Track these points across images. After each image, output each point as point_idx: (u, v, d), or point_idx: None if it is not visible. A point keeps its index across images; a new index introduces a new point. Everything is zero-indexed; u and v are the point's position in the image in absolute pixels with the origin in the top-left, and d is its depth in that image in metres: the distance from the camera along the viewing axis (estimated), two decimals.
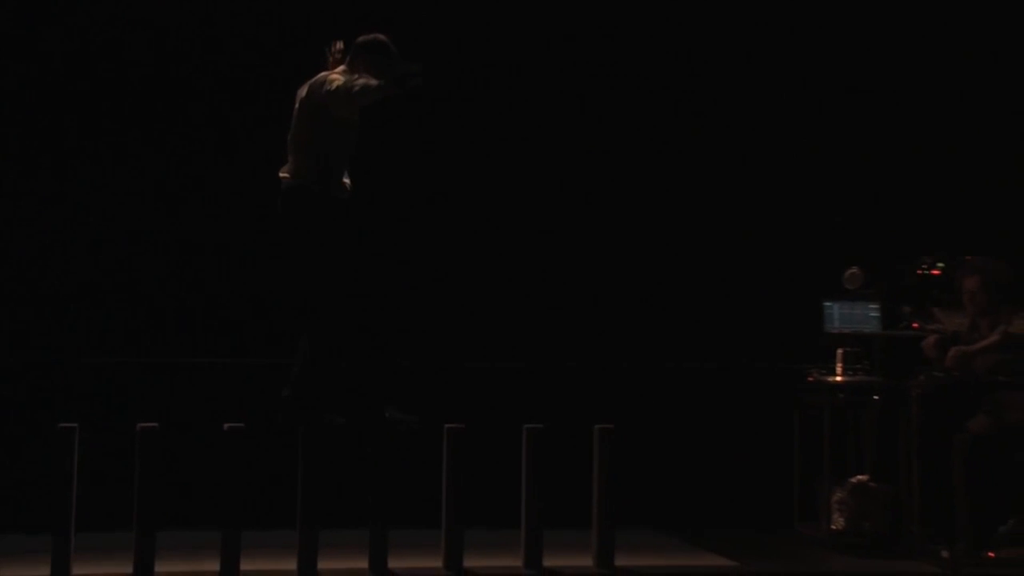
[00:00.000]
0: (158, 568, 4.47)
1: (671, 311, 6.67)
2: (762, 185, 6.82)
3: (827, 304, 5.89)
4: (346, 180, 4.94)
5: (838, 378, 5.77)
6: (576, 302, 6.58)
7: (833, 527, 5.64)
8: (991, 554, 5.17)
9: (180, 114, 6.35)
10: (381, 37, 4.92)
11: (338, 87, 4.69)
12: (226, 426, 4.59)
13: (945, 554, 5.12)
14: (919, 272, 5.85)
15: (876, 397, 5.78)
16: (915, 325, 5.79)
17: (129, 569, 4.45)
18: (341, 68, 4.89)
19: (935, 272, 5.80)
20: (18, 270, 6.14)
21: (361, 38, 4.93)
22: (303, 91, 4.88)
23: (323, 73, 4.87)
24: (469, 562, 4.69)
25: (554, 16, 6.73)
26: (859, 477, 5.72)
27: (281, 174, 4.90)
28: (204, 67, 6.39)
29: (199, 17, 6.40)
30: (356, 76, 4.73)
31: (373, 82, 4.63)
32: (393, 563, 4.64)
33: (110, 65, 6.33)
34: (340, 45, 5.01)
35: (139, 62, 6.36)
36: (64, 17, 6.32)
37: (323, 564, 4.59)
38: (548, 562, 4.74)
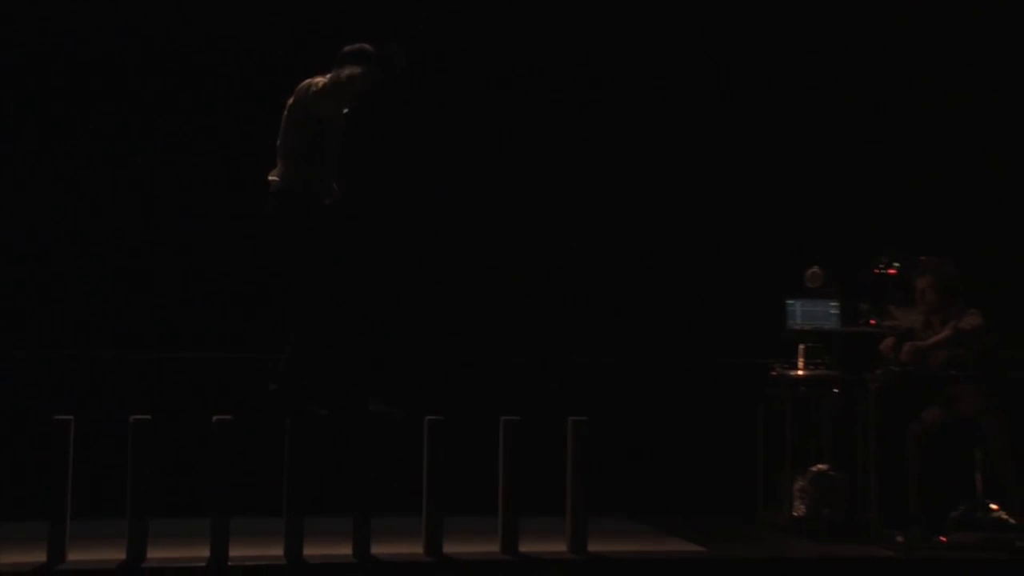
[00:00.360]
0: (150, 554, 4.48)
1: (644, 310, 6.71)
2: (729, 190, 6.86)
3: (789, 302, 5.95)
4: (335, 184, 4.96)
5: (800, 372, 5.83)
6: (552, 301, 6.60)
7: (795, 514, 5.69)
8: (943, 538, 5.24)
9: (176, 115, 6.33)
10: (367, 46, 4.94)
11: (324, 84, 4.75)
12: (216, 418, 4.60)
13: (900, 538, 5.17)
14: (876, 272, 5.90)
15: (836, 390, 5.84)
16: (872, 322, 5.85)
17: (123, 555, 4.45)
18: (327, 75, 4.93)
19: (891, 272, 5.86)
20: (13, 266, 6.11)
21: (347, 47, 4.95)
22: (290, 100, 4.91)
23: (307, 80, 4.91)
24: (449, 548, 4.72)
25: (544, 20, 6.76)
26: (819, 466, 5.78)
27: (270, 177, 4.92)
28: (198, 71, 6.37)
29: (195, 20, 6.39)
30: (341, 69, 4.78)
31: (357, 70, 4.69)
32: (376, 549, 4.65)
33: (105, 67, 6.31)
34: None
35: (134, 64, 6.35)
36: (59, 17, 6.29)
37: (309, 550, 4.59)
38: (524, 548, 4.77)
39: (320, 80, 4.81)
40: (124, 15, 6.34)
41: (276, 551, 4.60)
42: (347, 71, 4.72)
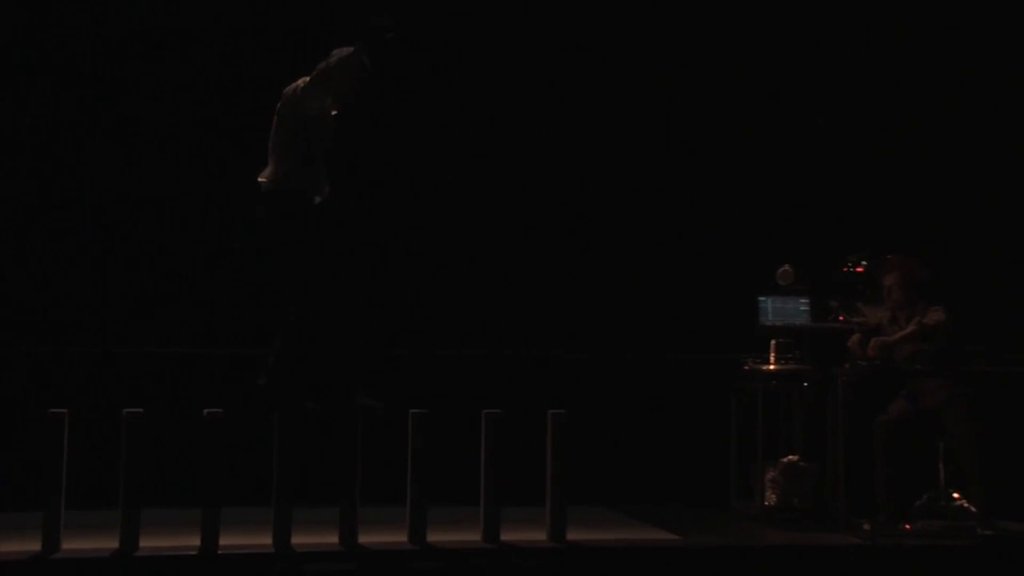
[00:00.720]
0: (143, 543, 4.49)
1: (621, 306, 6.73)
2: (703, 190, 6.89)
3: (761, 299, 5.99)
4: (325, 185, 4.96)
5: (771, 367, 5.86)
6: (533, 296, 6.62)
7: (766, 503, 5.74)
8: (907, 526, 5.29)
9: (171, 115, 6.31)
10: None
11: (312, 75, 4.73)
12: (206, 412, 4.61)
13: (866, 526, 5.22)
14: (845, 270, 5.95)
15: (805, 384, 5.88)
16: (841, 318, 5.90)
17: (115, 544, 4.46)
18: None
19: (859, 270, 5.90)
20: (8, 261, 6.08)
21: (335, 51, 4.95)
22: (279, 104, 4.91)
23: (294, 82, 4.91)
24: (432, 537, 4.74)
25: (525, 20, 6.76)
26: (790, 457, 5.82)
27: (259, 178, 4.92)
28: (192, 72, 6.36)
29: (191, 22, 6.37)
30: (330, 58, 4.76)
31: (347, 51, 4.66)
32: (362, 538, 4.68)
33: (101, 68, 6.29)
34: None
35: (133, 66, 6.33)
36: (53, 19, 6.27)
37: (297, 539, 4.61)
38: (505, 537, 4.79)
39: (306, 77, 4.81)
40: (115, 13, 6.31)
41: (265, 540, 4.61)
42: (335, 55, 4.71)
